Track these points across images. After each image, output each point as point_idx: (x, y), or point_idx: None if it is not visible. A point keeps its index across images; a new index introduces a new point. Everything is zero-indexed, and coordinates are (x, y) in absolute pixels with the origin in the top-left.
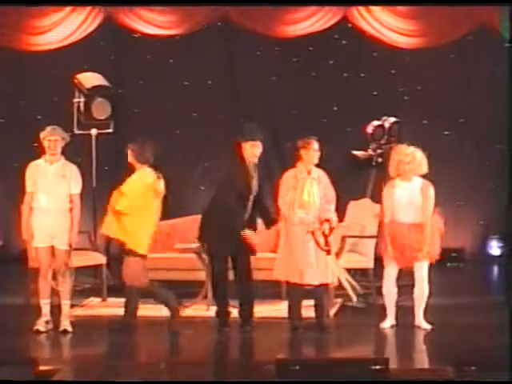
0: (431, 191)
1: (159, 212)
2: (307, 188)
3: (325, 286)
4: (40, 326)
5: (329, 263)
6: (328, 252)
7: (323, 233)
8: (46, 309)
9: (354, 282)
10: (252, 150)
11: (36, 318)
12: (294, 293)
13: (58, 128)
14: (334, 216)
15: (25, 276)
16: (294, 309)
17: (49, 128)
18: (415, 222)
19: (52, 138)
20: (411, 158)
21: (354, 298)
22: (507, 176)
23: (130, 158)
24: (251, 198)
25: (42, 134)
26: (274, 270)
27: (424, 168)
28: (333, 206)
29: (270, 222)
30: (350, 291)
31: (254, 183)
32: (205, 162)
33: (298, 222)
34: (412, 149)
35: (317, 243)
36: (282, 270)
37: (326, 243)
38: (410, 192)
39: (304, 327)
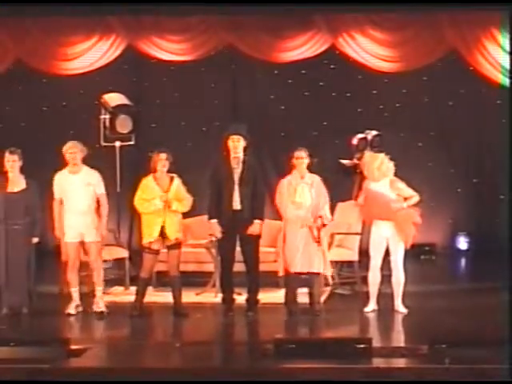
0: (399, 182)
1: None
2: (299, 191)
3: (316, 275)
4: (71, 309)
5: (318, 255)
6: (318, 243)
7: (317, 227)
8: (75, 296)
9: None
10: (232, 144)
11: (67, 303)
12: (290, 282)
13: (76, 142)
14: (328, 214)
15: (58, 268)
16: (289, 295)
17: (69, 143)
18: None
19: (71, 150)
20: (380, 163)
21: None
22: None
23: (167, 165)
24: (236, 187)
25: (64, 148)
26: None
27: (390, 172)
28: (327, 207)
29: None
30: None
31: (237, 175)
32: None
33: (292, 218)
34: (380, 155)
35: (313, 236)
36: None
37: (319, 236)
38: (380, 190)
39: (299, 311)
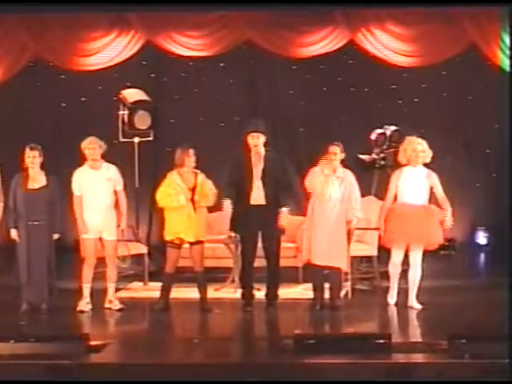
0: (436, 178)
1: None
2: (329, 183)
3: (337, 270)
4: (82, 307)
5: (342, 250)
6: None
7: (348, 230)
8: (86, 292)
9: None
10: (252, 141)
11: (78, 300)
12: (315, 276)
13: (95, 138)
14: (360, 213)
15: (77, 264)
16: (317, 291)
17: (88, 138)
18: (418, 203)
19: (91, 146)
20: (423, 147)
21: None
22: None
23: (193, 162)
24: (257, 183)
25: (83, 144)
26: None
27: (429, 157)
28: (358, 203)
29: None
30: None
31: (258, 170)
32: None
33: (319, 209)
34: (422, 140)
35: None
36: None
37: (348, 237)
38: (416, 176)
39: (320, 306)
